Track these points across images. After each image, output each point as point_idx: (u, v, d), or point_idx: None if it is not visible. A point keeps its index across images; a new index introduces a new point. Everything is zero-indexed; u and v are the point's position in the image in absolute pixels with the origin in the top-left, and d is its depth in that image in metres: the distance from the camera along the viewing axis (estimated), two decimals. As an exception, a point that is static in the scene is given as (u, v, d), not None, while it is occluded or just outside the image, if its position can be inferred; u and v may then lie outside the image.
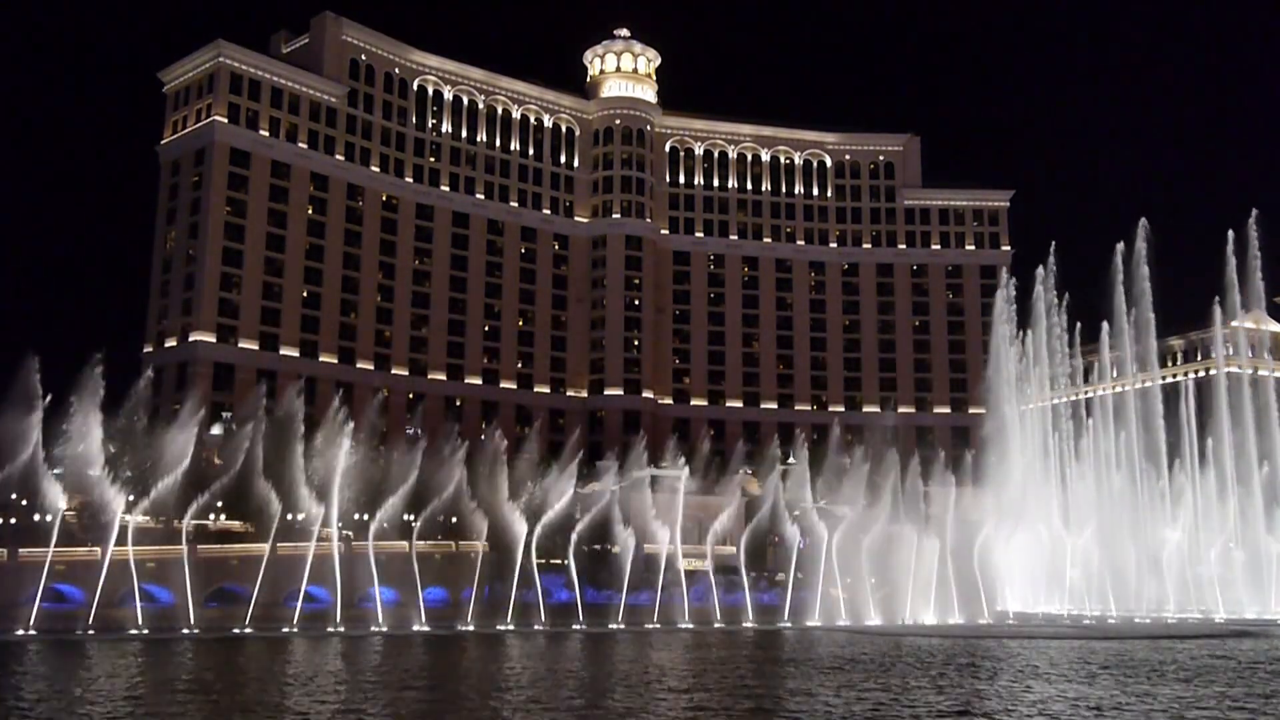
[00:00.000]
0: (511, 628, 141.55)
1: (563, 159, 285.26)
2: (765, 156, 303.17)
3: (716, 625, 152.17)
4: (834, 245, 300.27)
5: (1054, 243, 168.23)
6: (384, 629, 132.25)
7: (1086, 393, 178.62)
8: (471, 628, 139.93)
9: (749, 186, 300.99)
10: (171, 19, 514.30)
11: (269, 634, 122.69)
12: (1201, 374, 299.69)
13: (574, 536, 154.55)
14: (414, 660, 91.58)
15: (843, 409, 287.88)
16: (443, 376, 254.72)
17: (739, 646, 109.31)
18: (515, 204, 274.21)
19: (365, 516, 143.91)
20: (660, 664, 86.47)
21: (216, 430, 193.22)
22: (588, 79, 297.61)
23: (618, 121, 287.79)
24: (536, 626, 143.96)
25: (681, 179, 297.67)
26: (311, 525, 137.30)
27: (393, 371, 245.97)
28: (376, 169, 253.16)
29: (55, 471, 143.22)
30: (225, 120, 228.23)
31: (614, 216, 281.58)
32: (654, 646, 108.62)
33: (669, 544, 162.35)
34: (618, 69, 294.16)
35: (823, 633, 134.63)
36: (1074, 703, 59.68)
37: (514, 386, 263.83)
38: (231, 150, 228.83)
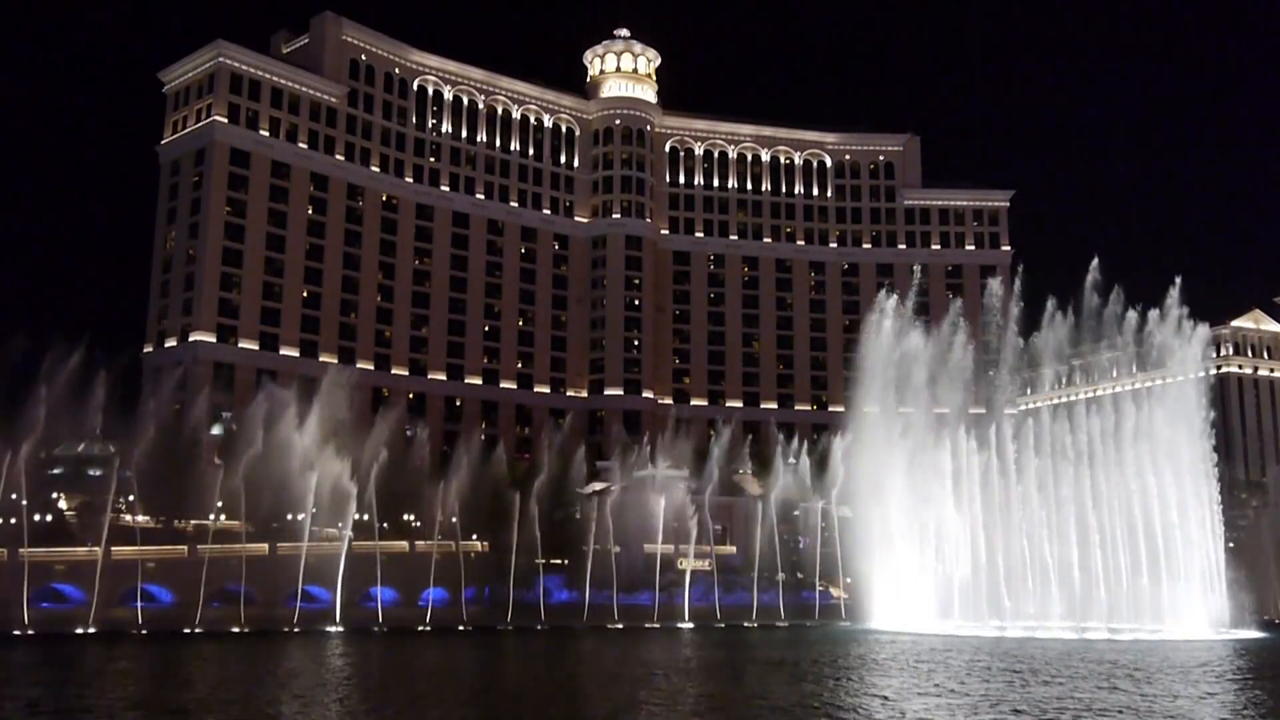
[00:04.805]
0: (510, 627, 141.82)
1: (563, 159, 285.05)
2: (765, 156, 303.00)
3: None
4: (834, 245, 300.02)
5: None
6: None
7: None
8: (470, 627, 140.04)
9: (749, 186, 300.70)
10: (171, 19, 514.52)
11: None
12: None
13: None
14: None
15: (842, 409, 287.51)
16: (443, 376, 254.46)
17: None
18: (515, 204, 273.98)
19: (365, 516, 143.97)
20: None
21: (216, 430, 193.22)
22: (588, 79, 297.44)
23: (618, 121, 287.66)
24: (538, 626, 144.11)
25: (681, 179, 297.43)
26: (314, 525, 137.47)
27: (393, 371, 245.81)
28: (376, 169, 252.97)
29: (55, 471, 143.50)
30: (225, 120, 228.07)
31: (614, 216, 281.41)
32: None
33: (668, 544, 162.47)
34: (618, 69, 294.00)
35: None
36: None
37: (514, 386, 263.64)
38: (231, 150, 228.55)
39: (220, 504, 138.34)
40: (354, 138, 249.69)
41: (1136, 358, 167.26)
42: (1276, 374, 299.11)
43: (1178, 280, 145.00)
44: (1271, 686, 72.02)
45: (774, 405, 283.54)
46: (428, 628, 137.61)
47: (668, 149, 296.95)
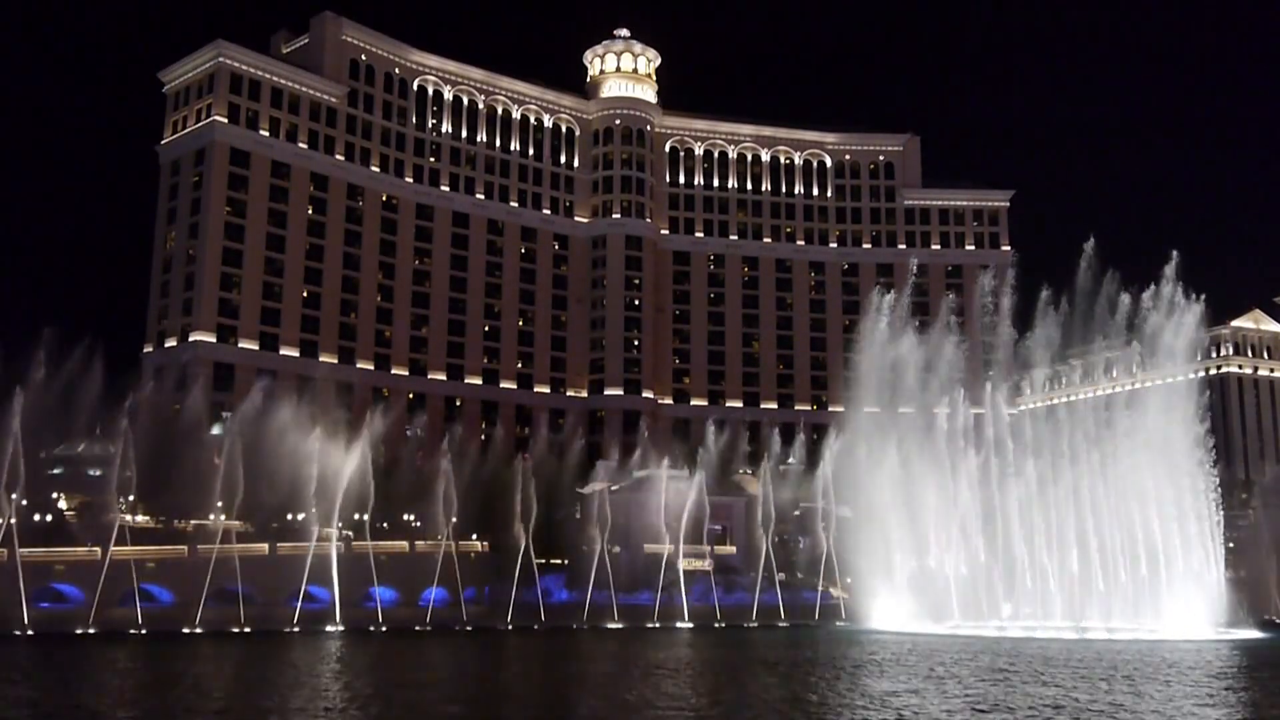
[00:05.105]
0: (510, 627, 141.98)
1: (563, 159, 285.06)
2: (765, 156, 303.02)
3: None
4: (834, 245, 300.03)
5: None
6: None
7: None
8: (470, 627, 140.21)
9: (749, 186, 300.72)
10: (171, 19, 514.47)
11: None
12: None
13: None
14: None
15: (842, 409, 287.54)
16: (443, 376, 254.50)
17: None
18: (515, 204, 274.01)
19: (365, 516, 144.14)
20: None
21: (216, 430, 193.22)
22: (588, 79, 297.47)
23: (618, 121, 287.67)
24: (536, 626, 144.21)
25: (681, 179, 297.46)
26: (313, 525, 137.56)
27: (393, 371, 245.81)
28: (376, 169, 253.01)
29: (55, 471, 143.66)
30: (225, 120, 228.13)
31: (614, 216, 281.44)
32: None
33: (669, 544, 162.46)
34: (618, 69, 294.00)
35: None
36: None
37: (514, 386, 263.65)
38: (231, 150, 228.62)
39: (220, 504, 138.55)
40: (354, 138, 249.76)
41: (1135, 357, 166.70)
42: (1276, 374, 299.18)
43: (1174, 254, 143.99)
44: (1269, 687, 72.12)
45: (774, 405, 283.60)
46: (428, 628, 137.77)
47: (668, 149, 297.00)
